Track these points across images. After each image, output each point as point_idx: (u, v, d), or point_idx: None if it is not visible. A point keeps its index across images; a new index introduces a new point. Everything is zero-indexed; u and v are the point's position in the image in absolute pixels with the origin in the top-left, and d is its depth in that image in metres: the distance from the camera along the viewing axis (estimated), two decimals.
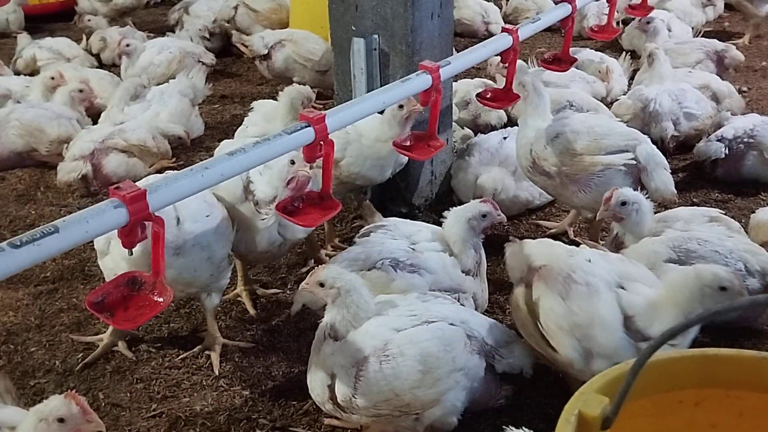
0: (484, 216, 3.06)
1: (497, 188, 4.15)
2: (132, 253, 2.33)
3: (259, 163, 2.65)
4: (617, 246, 3.26)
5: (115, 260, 2.87)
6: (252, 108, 4.36)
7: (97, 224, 2.12)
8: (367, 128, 3.69)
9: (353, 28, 4.02)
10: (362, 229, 3.30)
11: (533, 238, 4.06)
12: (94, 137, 4.74)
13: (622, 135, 3.66)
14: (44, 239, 1.98)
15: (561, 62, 4.53)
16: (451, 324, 2.58)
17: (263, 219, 3.13)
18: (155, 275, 2.35)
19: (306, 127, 2.70)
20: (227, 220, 3.11)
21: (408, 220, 3.36)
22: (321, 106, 5.29)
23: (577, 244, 4.00)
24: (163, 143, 5.00)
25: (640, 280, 2.69)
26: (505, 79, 3.99)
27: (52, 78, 5.43)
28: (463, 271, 3.06)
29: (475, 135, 4.77)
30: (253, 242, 3.20)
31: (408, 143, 3.56)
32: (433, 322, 2.56)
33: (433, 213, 4.39)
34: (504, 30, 3.83)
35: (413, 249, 3.05)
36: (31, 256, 1.95)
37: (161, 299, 2.33)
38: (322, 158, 2.83)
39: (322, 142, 2.77)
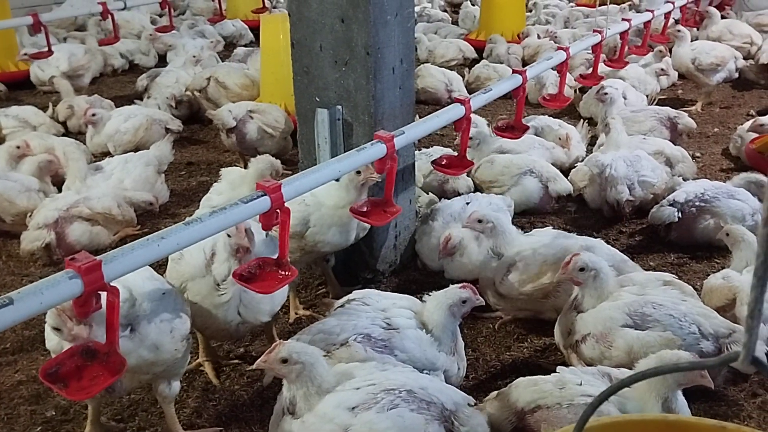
0: (464, 302, 3.08)
1: (463, 237, 4.23)
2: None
3: (216, 233, 2.69)
4: (576, 309, 3.32)
5: None
6: (220, 175, 4.41)
7: (52, 295, 2.14)
8: (326, 196, 3.76)
9: (317, 99, 4.13)
10: (337, 302, 3.31)
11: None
12: (59, 205, 4.73)
13: (568, 250, 3.65)
14: None
15: (514, 130, 4.71)
16: (410, 392, 2.58)
17: (221, 294, 3.12)
18: (110, 345, 2.35)
19: (262, 196, 2.77)
20: (179, 294, 3.06)
21: (383, 292, 3.36)
22: (290, 172, 5.36)
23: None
24: (129, 211, 5.01)
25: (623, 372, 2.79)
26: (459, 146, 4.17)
27: (18, 147, 5.43)
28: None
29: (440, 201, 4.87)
30: (210, 318, 3.18)
31: (365, 209, 3.65)
32: (392, 390, 2.55)
33: (398, 278, 4.44)
34: (457, 100, 3.99)
35: (388, 324, 3.05)
36: None
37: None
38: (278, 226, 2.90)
39: (278, 210, 2.84)
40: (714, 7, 9.98)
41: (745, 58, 8.25)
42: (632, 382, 1.21)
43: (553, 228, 4.94)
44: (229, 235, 3.02)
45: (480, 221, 3.83)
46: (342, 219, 3.74)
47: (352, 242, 3.95)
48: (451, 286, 3.16)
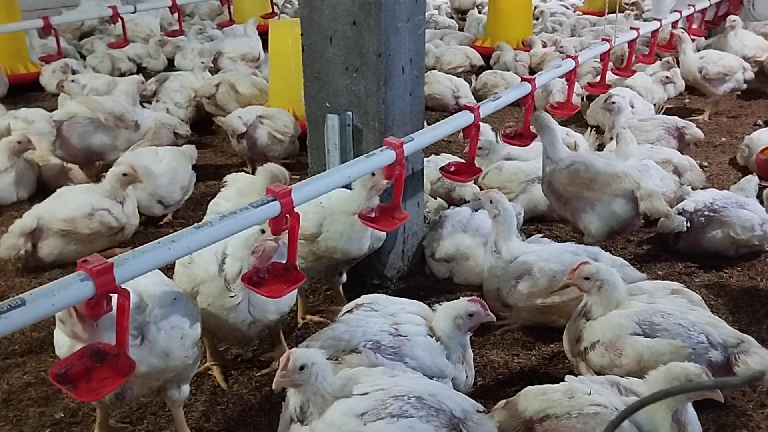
0: (470, 315, 3.04)
1: (457, 251, 4.25)
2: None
3: (226, 236, 2.70)
4: (585, 316, 3.31)
5: None
6: (225, 182, 4.43)
7: (64, 297, 2.16)
8: (339, 203, 3.76)
9: (328, 105, 4.14)
10: (345, 306, 3.32)
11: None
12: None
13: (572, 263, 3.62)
14: (11, 312, 2.01)
15: (522, 137, 4.73)
16: (419, 398, 2.57)
17: (232, 296, 3.14)
18: (119, 347, 2.36)
19: (272, 200, 2.78)
20: (191, 299, 3.07)
21: (392, 297, 3.34)
22: (298, 177, 5.38)
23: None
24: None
25: (632, 381, 2.78)
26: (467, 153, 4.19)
27: (19, 142, 5.43)
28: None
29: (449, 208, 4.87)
30: (222, 319, 3.19)
31: (373, 215, 3.66)
32: (401, 396, 2.55)
33: (406, 284, 4.45)
34: (466, 107, 4.00)
35: (397, 331, 3.04)
36: None
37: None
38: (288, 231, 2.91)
39: (288, 215, 2.85)
40: (720, 16, 9.98)
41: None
42: (663, 397, 1.22)
43: (559, 235, 4.97)
44: (262, 231, 3.02)
45: (491, 202, 3.81)
46: (354, 226, 3.71)
47: (365, 252, 3.94)
48: (461, 298, 3.14)
